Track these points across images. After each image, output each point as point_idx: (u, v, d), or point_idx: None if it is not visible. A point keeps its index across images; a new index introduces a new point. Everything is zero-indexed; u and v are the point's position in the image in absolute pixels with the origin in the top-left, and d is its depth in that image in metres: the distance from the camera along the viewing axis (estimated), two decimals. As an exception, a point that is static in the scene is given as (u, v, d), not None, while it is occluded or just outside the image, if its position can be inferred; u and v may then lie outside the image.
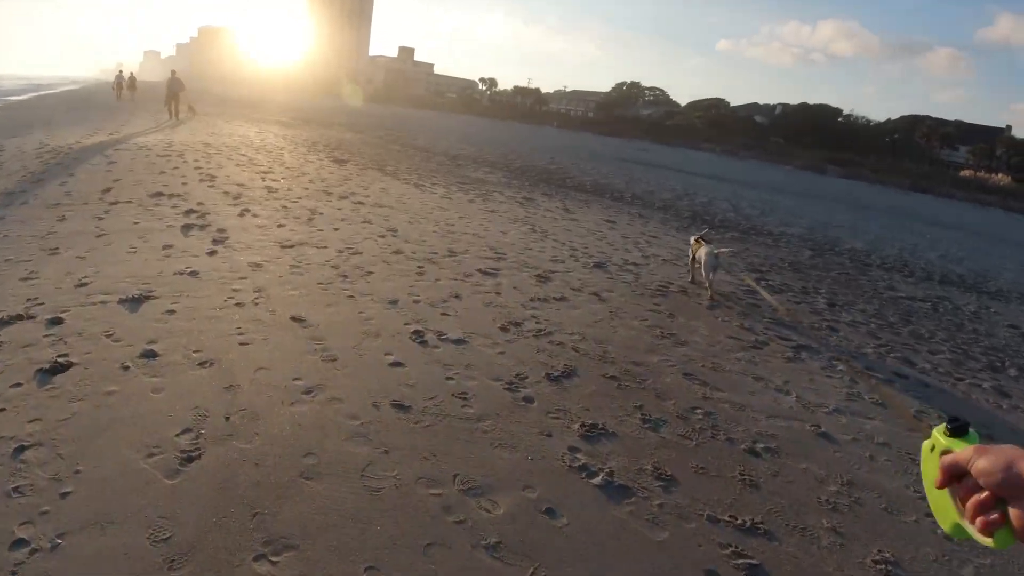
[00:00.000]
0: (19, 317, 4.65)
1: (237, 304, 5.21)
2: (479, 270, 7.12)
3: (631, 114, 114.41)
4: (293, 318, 5.03)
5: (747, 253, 10.93)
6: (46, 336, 4.37)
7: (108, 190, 9.31)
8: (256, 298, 5.40)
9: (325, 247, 7.30)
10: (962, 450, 0.80)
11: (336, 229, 8.24)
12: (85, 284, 5.41)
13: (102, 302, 5.04)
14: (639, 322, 6.27)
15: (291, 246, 7.18)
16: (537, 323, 5.71)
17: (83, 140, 15.09)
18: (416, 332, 5.05)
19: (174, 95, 24.38)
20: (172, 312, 4.92)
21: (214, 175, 11.20)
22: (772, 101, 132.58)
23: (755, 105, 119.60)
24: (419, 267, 6.95)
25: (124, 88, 36.52)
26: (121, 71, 37.75)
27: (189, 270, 5.96)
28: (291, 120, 30.42)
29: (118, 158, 12.30)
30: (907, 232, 19.64)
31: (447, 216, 10.08)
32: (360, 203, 10.20)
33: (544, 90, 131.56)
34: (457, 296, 6.11)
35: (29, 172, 10.41)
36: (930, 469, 0.84)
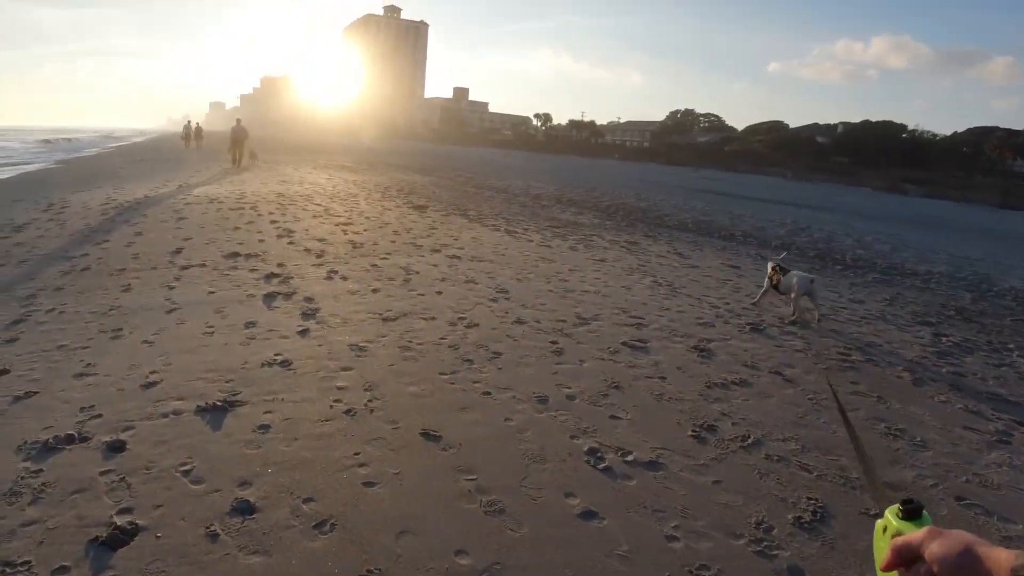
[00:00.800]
0: (70, 439, 3.52)
1: (348, 412, 3.97)
2: (624, 343, 5.76)
3: (688, 141, 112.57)
4: (424, 433, 3.75)
5: (902, 299, 9.29)
6: (103, 473, 3.21)
7: (179, 251, 8.36)
8: (369, 400, 4.16)
9: (433, 318, 6.06)
10: (914, 532, 0.74)
11: (439, 293, 7.02)
12: (154, 384, 4.28)
13: (175, 413, 3.87)
14: (851, 413, 4.81)
15: (394, 318, 5.97)
16: (733, 424, 4.32)
17: (151, 193, 14.46)
18: (591, 451, 3.70)
19: (238, 143, 24.52)
20: (266, 428, 3.71)
21: (291, 229, 10.21)
22: (830, 120, 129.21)
23: (815, 125, 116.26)
24: (552, 342, 5.63)
25: (192, 138, 37.26)
26: (189, 122, 38.56)
27: (280, 359, 4.79)
28: (357, 164, 29.90)
29: (188, 212, 11.47)
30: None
31: (555, 269, 8.78)
32: (455, 257, 9.00)
33: (598, 122, 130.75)
34: (616, 386, 4.76)
35: (93, 231, 9.59)
36: (881, 550, 0.77)
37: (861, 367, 5.92)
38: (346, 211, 12.80)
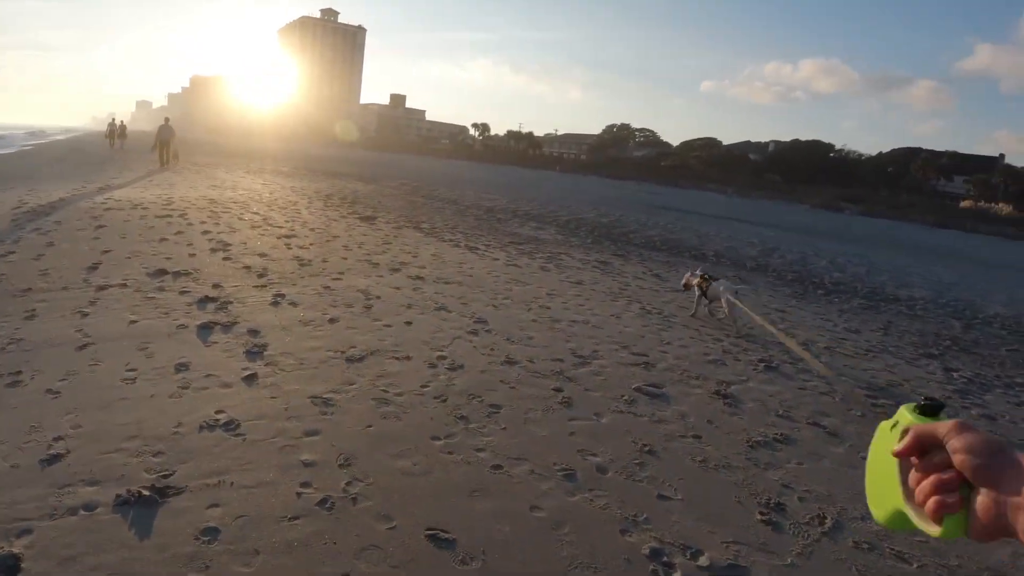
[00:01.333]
0: (-62, 551, 2.45)
1: (323, 503, 2.98)
2: (638, 390, 4.91)
3: (624, 155, 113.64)
4: (431, 535, 2.80)
5: (896, 329, 8.78)
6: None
7: (96, 267, 7.14)
8: (348, 483, 3.18)
9: (408, 357, 5.09)
10: (942, 422, 0.68)
11: (408, 323, 6.04)
12: (59, 457, 3.21)
13: (87, 507, 2.82)
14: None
15: (360, 358, 4.97)
16: (800, 499, 3.52)
17: (68, 195, 12.94)
18: (655, 554, 2.82)
19: (165, 143, 23.63)
20: (214, 534, 2.69)
21: (228, 242, 9.02)
22: (760, 138, 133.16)
23: (748, 143, 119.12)
24: (556, 390, 4.73)
25: (116, 136, 36.05)
26: (113, 119, 37.21)
27: (223, 418, 3.75)
28: (294, 170, 28.43)
29: (109, 219, 10.12)
30: (1018, 285, 17.47)
31: (532, 293, 7.89)
32: (419, 278, 8.01)
33: (536, 133, 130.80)
34: (649, 450, 3.90)
35: (-2, 242, 8.22)
36: (884, 448, 0.73)
37: (892, 410, 5.24)
38: (287, 221, 11.63)
